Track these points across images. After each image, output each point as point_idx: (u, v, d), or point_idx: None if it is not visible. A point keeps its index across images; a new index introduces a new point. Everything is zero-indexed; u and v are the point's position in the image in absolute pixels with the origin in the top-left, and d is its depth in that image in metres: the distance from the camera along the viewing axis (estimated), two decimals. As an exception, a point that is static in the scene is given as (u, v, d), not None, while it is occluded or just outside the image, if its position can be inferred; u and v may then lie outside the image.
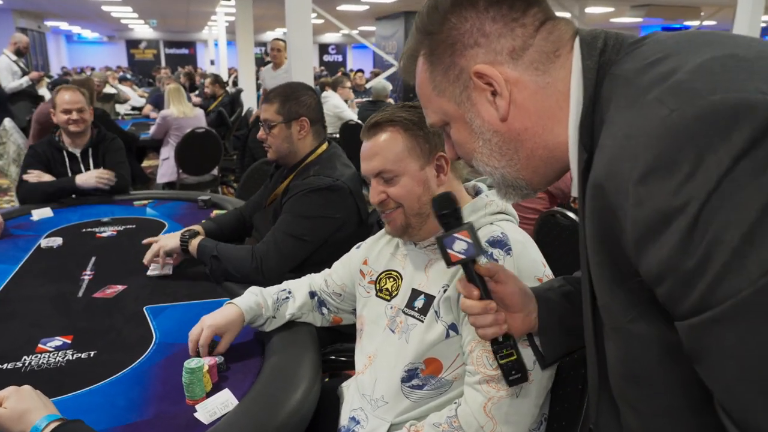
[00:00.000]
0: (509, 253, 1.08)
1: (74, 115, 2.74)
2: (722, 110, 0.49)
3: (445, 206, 0.89)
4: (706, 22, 12.02)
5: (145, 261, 1.82)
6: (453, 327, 1.10)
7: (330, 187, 1.79)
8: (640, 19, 14.27)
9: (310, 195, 1.79)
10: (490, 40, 0.71)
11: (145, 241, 1.90)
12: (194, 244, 1.80)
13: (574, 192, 0.72)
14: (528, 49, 0.70)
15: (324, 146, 1.97)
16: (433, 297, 1.14)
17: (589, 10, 12.21)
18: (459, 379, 1.11)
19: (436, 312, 1.13)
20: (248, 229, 2.19)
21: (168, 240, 1.82)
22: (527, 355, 0.97)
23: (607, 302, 0.66)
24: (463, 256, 0.87)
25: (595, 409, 0.80)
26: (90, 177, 2.71)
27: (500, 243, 1.09)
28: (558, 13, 0.73)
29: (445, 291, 1.12)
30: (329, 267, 1.52)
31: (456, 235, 0.87)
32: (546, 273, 1.10)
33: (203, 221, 2.16)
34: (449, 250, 0.87)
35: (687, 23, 11.91)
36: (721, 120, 0.49)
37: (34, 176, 2.71)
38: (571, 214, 2.06)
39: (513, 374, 0.92)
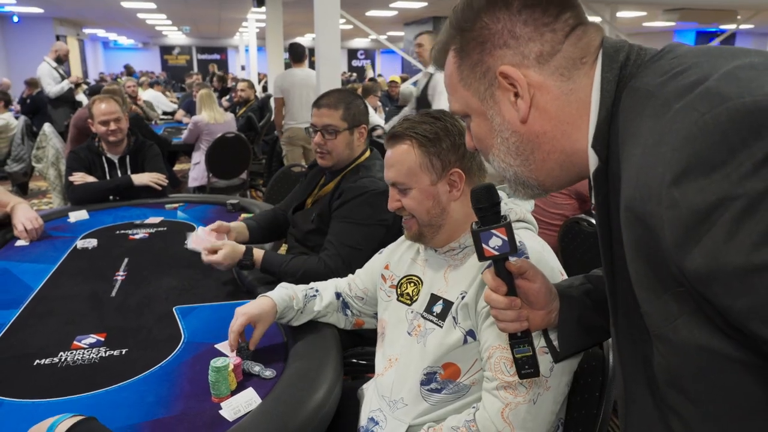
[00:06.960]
0: None
1: (112, 126, 2.86)
2: (754, 111, 0.50)
3: (482, 200, 0.87)
4: (743, 26, 11.62)
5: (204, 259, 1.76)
6: (471, 333, 1.13)
7: (384, 192, 1.81)
8: (673, 23, 13.89)
9: (368, 200, 1.83)
10: (520, 42, 0.72)
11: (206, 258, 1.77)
12: (258, 262, 1.79)
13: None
14: (555, 55, 0.72)
15: (369, 152, 2.03)
16: (452, 303, 1.16)
17: (620, 14, 11.96)
18: (477, 384, 1.13)
19: (454, 318, 1.15)
20: (283, 227, 2.26)
21: (228, 259, 1.75)
22: (544, 360, 0.99)
23: (647, 310, 0.66)
24: (496, 253, 0.87)
25: (624, 421, 0.80)
26: (144, 176, 2.91)
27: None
28: (589, 18, 0.74)
29: (463, 298, 1.14)
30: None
31: (493, 231, 0.86)
32: None
33: (246, 218, 2.26)
34: (484, 245, 0.87)
35: (723, 27, 11.54)
36: (753, 120, 0.50)
37: (80, 177, 2.84)
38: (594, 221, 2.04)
39: (526, 369, 0.94)
